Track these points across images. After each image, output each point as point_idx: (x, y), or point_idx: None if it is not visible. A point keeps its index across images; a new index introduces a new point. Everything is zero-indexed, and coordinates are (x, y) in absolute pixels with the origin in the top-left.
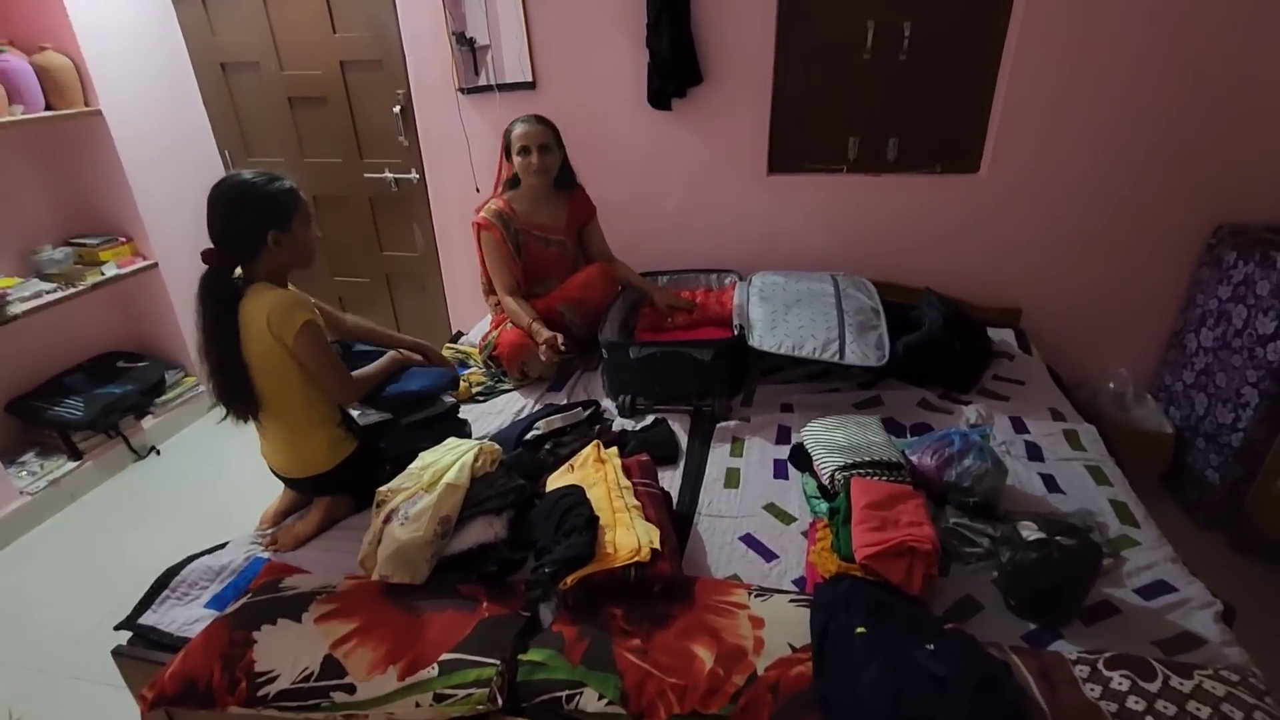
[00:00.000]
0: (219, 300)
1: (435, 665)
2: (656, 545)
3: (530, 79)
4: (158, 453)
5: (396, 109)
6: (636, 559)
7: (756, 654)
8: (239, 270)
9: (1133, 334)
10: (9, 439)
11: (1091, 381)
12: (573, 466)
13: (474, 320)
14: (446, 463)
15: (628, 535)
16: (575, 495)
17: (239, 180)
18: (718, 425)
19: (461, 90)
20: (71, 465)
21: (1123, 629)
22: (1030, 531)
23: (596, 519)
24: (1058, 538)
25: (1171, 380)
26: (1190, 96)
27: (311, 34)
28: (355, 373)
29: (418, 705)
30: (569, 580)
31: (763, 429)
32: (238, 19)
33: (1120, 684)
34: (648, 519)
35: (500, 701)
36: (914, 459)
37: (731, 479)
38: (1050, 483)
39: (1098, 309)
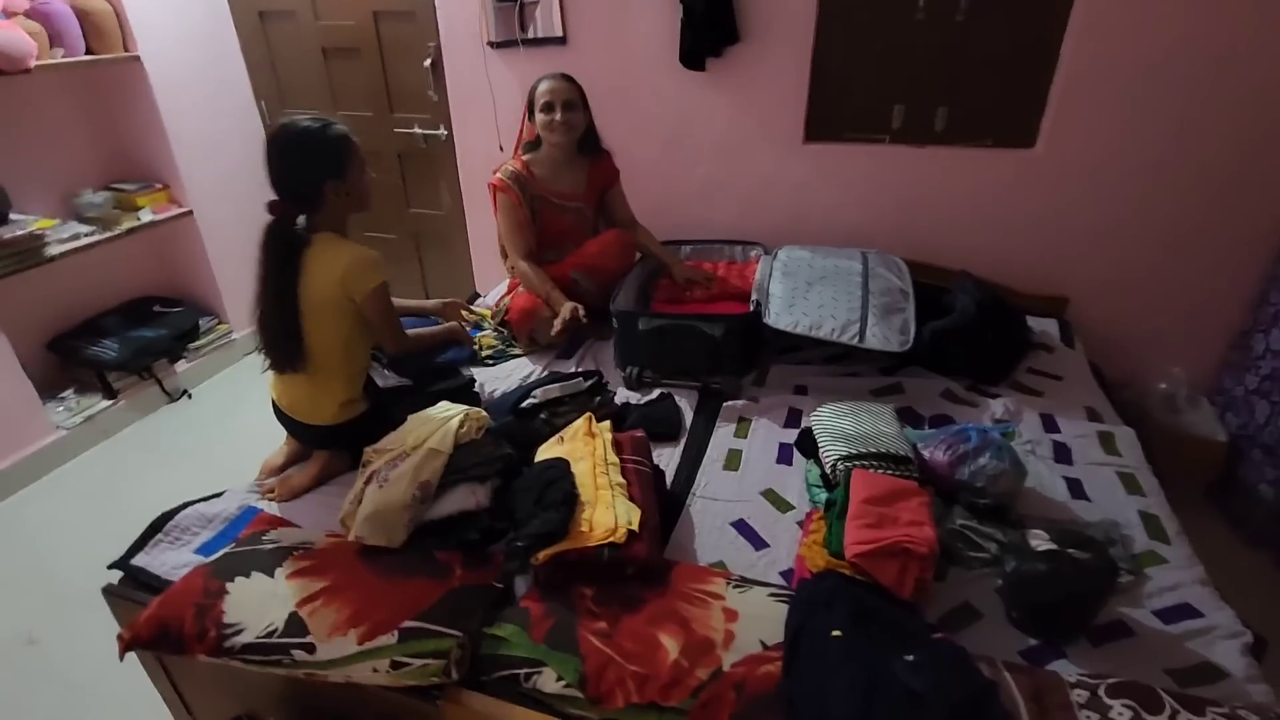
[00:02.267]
0: (284, 250)
1: (395, 632)
2: (634, 527)
3: (561, 34)
4: (189, 396)
5: (427, 62)
6: (611, 539)
7: (725, 648)
8: (302, 219)
9: (1192, 331)
10: (50, 375)
11: (1141, 380)
12: (563, 439)
13: (496, 282)
14: (432, 427)
15: (606, 514)
16: (559, 469)
17: (296, 129)
18: (725, 404)
19: (491, 44)
20: (106, 403)
21: (1135, 653)
22: (1041, 541)
23: (575, 495)
24: (1070, 550)
25: (1231, 384)
26: None
27: None
28: (413, 331)
29: (374, 670)
30: (540, 556)
31: (772, 410)
32: None
33: (1120, 714)
34: (631, 498)
35: (455, 675)
36: (926, 453)
37: (732, 461)
38: (1076, 488)
39: (1155, 302)
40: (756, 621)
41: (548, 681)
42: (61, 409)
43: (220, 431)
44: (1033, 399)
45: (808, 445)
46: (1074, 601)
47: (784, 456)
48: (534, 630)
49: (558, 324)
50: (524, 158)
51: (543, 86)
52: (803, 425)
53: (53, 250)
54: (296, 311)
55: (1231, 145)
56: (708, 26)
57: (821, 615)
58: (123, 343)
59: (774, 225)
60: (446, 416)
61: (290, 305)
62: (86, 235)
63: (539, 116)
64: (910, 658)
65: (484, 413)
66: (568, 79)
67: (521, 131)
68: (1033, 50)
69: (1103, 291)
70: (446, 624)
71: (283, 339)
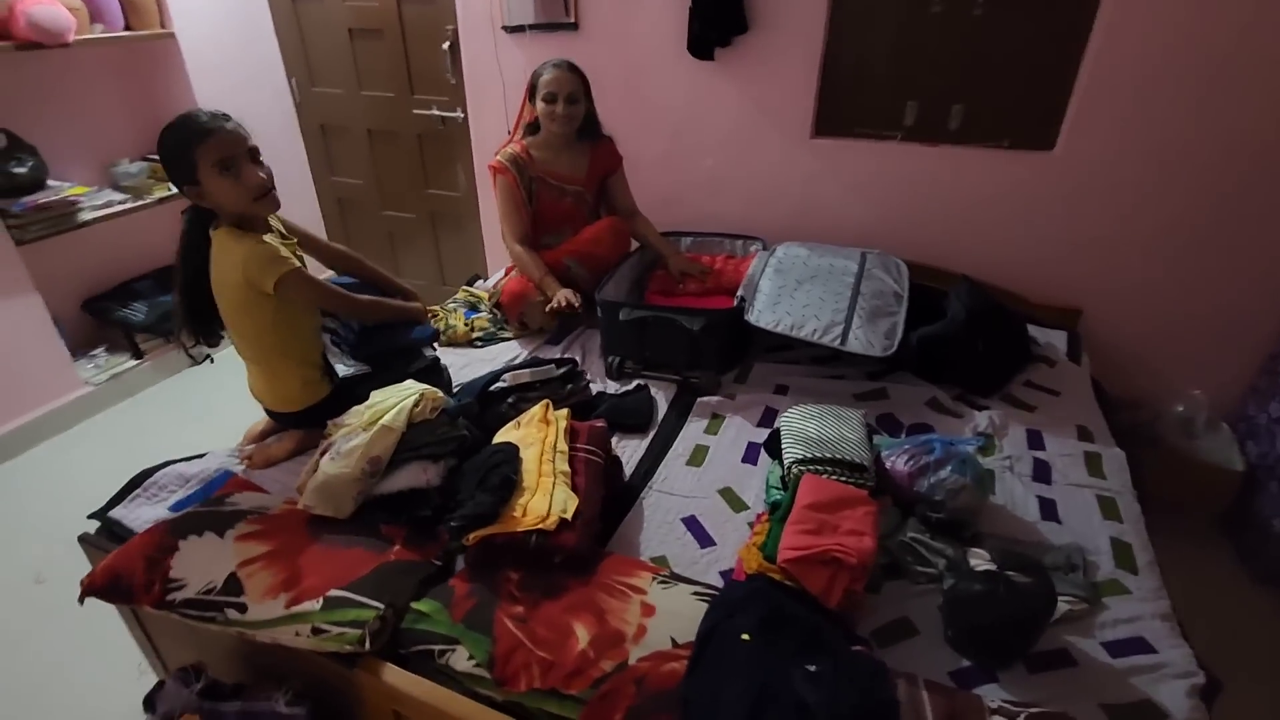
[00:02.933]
0: (185, 238)
1: (320, 599)
2: (568, 515)
3: (572, 19)
4: (210, 361)
5: (445, 45)
6: (541, 527)
7: (635, 642)
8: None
9: (1217, 352)
10: (84, 334)
11: (1157, 401)
12: (519, 424)
13: (507, 264)
14: (389, 404)
15: (542, 501)
16: (505, 453)
17: (165, 127)
18: (699, 399)
19: (505, 28)
20: (133, 363)
21: (1072, 684)
22: (981, 561)
23: (512, 480)
24: (1009, 572)
25: (1256, 411)
26: None
27: None
28: (371, 299)
29: (297, 634)
30: (470, 538)
31: (747, 409)
32: None
33: None
34: (575, 487)
35: (369, 645)
36: (888, 462)
37: (697, 456)
38: (1048, 509)
39: (1177, 320)
40: (672, 619)
41: (460, 660)
42: (91, 366)
43: (236, 396)
44: (1022, 413)
45: (775, 446)
46: (1007, 625)
47: (750, 456)
48: (455, 609)
49: (549, 308)
50: (524, 141)
51: (546, 75)
52: (775, 426)
53: (86, 216)
54: (203, 292)
55: (1270, 155)
56: (716, 15)
57: (737, 618)
58: (151, 306)
59: (780, 220)
60: (403, 395)
61: (195, 287)
62: (119, 203)
63: (540, 104)
64: (812, 668)
65: (440, 393)
66: (573, 70)
67: (521, 114)
68: (1055, 48)
69: (1119, 305)
70: (370, 595)
71: (192, 314)
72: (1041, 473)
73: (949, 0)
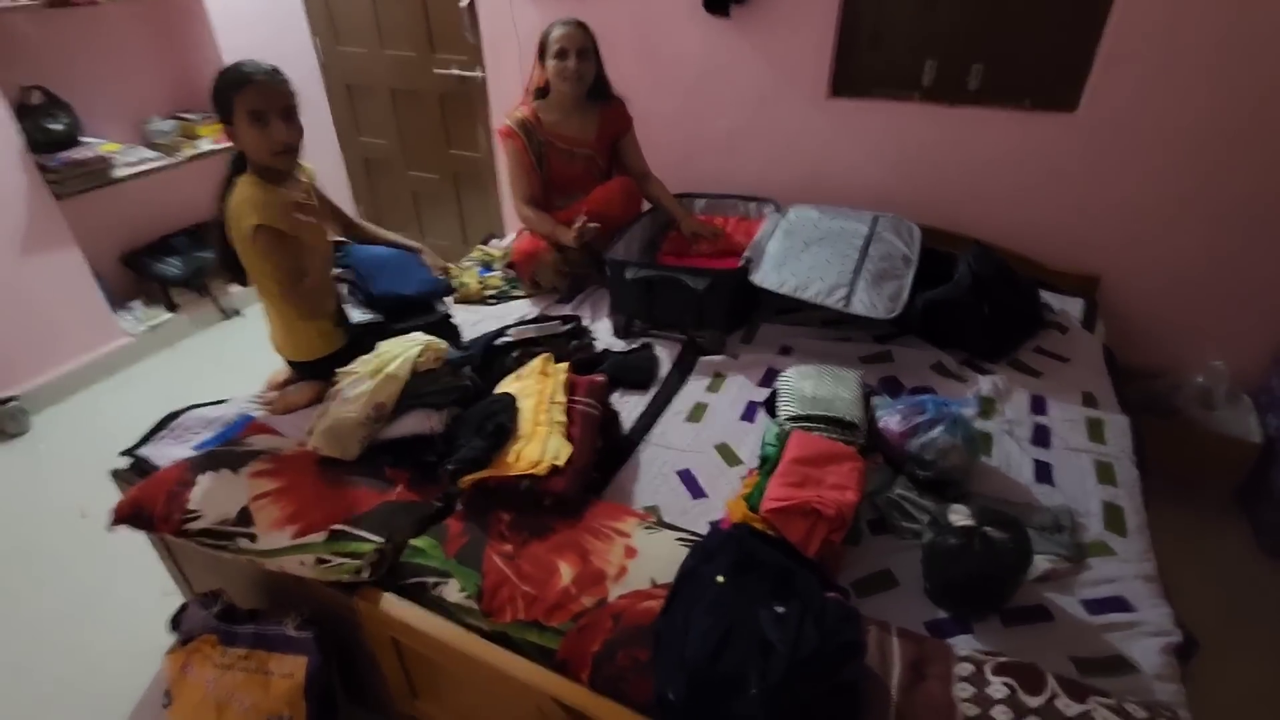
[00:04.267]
0: (226, 181)
1: (325, 532)
2: (559, 462)
3: None
4: (241, 315)
5: (464, 3)
6: (532, 472)
7: (615, 581)
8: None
9: (1241, 323)
10: (123, 286)
11: (1177, 371)
12: (520, 376)
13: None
14: (394, 354)
15: (535, 448)
16: (502, 403)
17: (222, 69)
18: (702, 359)
19: None
20: (168, 316)
21: (1044, 637)
22: (959, 516)
23: (507, 428)
24: (986, 528)
25: (1279, 383)
26: None
27: None
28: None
29: (301, 564)
30: (464, 481)
31: (749, 368)
32: None
33: (998, 690)
34: (569, 437)
35: (367, 575)
36: (881, 422)
37: (696, 413)
38: (1043, 472)
39: (1200, 289)
40: (653, 561)
41: (451, 591)
42: (130, 318)
43: (261, 348)
44: (1030, 379)
45: (774, 405)
46: (980, 578)
47: (749, 414)
48: (448, 546)
49: (572, 237)
50: (533, 104)
51: (556, 32)
52: (774, 385)
53: (120, 172)
54: (224, 236)
55: None
56: None
57: (715, 561)
58: (186, 261)
59: (796, 181)
60: (408, 345)
61: (219, 230)
62: (152, 160)
63: (551, 63)
64: (780, 609)
65: (444, 344)
66: (581, 26)
67: (532, 76)
68: (1079, 3)
69: (1140, 272)
70: (371, 530)
71: (222, 255)
72: (1041, 437)
73: None
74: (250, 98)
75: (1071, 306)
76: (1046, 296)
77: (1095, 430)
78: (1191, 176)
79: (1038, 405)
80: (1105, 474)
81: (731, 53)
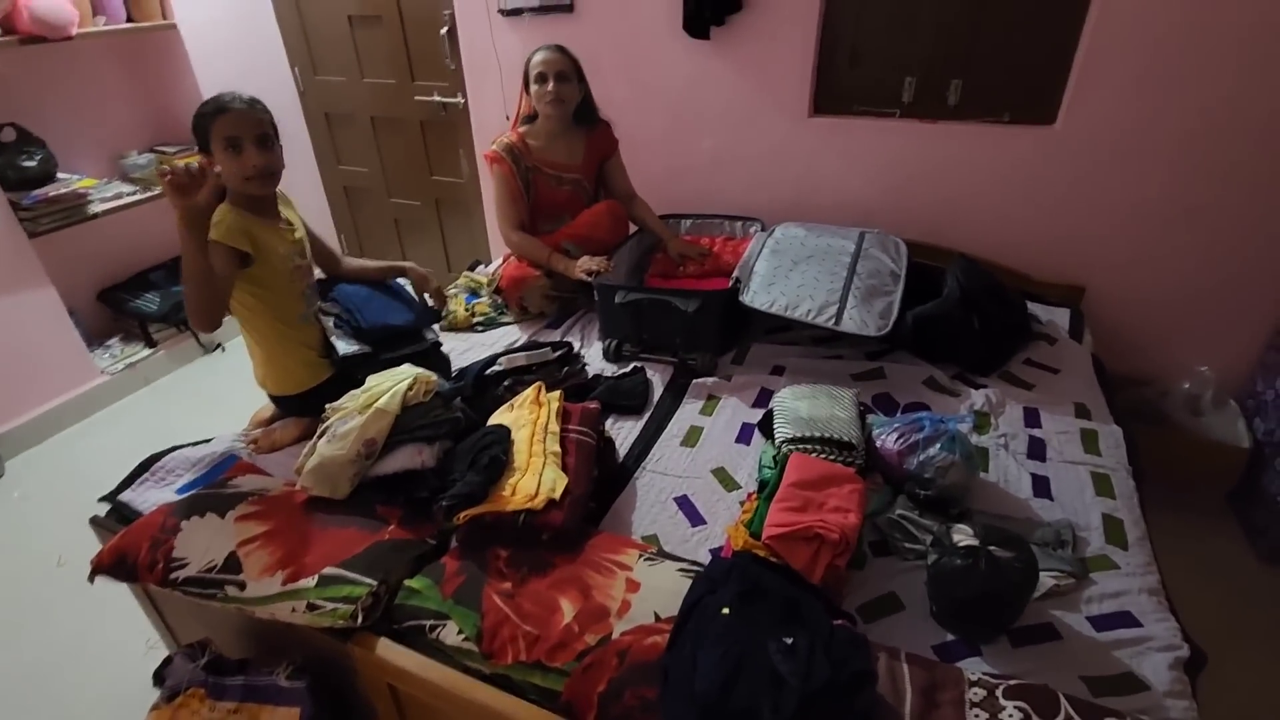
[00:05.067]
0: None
1: (315, 576)
2: (556, 495)
3: (568, 1)
4: (222, 349)
5: (443, 30)
6: (529, 506)
7: (619, 617)
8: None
9: (1225, 329)
10: (100, 324)
11: (1164, 379)
12: (513, 406)
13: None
14: (384, 388)
15: (531, 481)
16: (496, 435)
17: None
18: (695, 381)
19: (502, 12)
20: (147, 352)
21: (1054, 657)
22: (963, 536)
23: (501, 461)
24: (991, 547)
25: (1264, 388)
26: None
27: None
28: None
29: (293, 610)
30: (460, 517)
31: (743, 389)
32: None
33: (1011, 715)
34: (565, 467)
35: (360, 620)
36: (878, 441)
37: (691, 437)
38: (1041, 486)
39: (1182, 296)
40: (656, 594)
41: (449, 634)
42: (107, 356)
43: (246, 382)
44: (1022, 392)
45: (769, 426)
46: (987, 599)
47: (744, 436)
48: (445, 586)
49: (578, 274)
50: (520, 130)
51: (537, 58)
52: (769, 406)
53: (96, 208)
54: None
55: (1276, 124)
56: None
57: (719, 593)
58: (164, 296)
59: (780, 200)
60: (398, 378)
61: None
62: (129, 195)
63: (533, 88)
64: (788, 640)
65: (434, 376)
66: (561, 50)
67: (519, 105)
68: (1054, 19)
69: (1123, 282)
70: (363, 572)
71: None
72: (1036, 450)
73: None
74: (225, 125)
75: (1059, 317)
76: (1033, 308)
77: (1090, 441)
78: (1170, 186)
79: (1031, 418)
80: (1103, 486)
81: (713, 74)
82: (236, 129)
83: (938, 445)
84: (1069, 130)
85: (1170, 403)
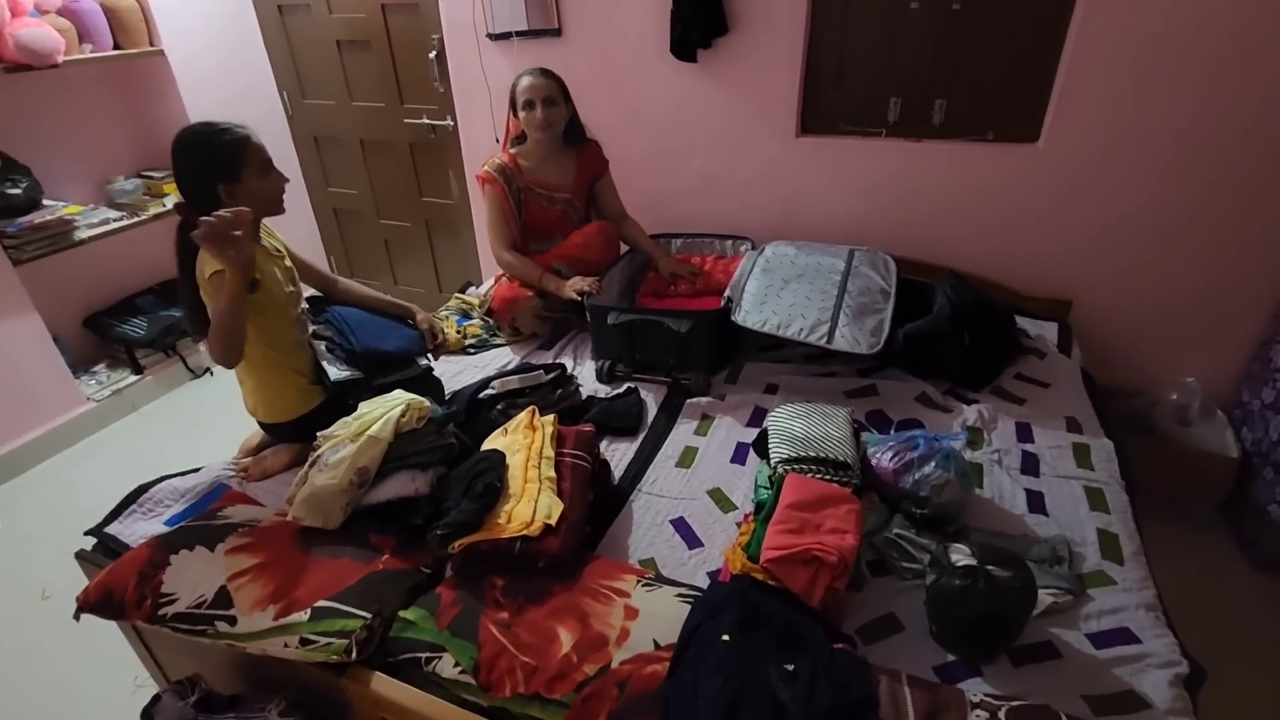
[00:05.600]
0: (181, 253)
1: (308, 610)
2: (552, 521)
3: (556, 25)
4: (210, 373)
5: (432, 54)
6: (525, 533)
7: (618, 645)
8: None
9: (1210, 340)
10: (86, 351)
11: (1152, 390)
12: (506, 430)
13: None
14: (376, 415)
15: (526, 507)
16: (490, 461)
17: (191, 131)
18: (689, 401)
19: (490, 36)
20: (134, 378)
21: (1055, 676)
22: (961, 556)
23: (496, 488)
24: (989, 567)
25: (1249, 398)
26: None
27: None
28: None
29: (285, 645)
30: (455, 546)
31: (737, 409)
32: None
33: None
34: (561, 492)
35: (355, 654)
36: (874, 460)
37: (686, 458)
38: (1036, 502)
39: (1167, 308)
40: (655, 621)
41: (446, 667)
42: (93, 382)
43: (236, 407)
44: (1013, 406)
45: (764, 446)
46: (987, 619)
47: (739, 456)
48: (441, 617)
49: (568, 293)
50: (511, 151)
51: (523, 84)
52: (763, 425)
53: (82, 234)
54: (199, 306)
55: (1253, 138)
56: (697, 17)
57: (718, 619)
58: (151, 321)
59: (770, 219)
60: (390, 405)
61: (193, 302)
62: (115, 220)
63: (522, 113)
64: (789, 667)
65: (426, 402)
66: (547, 74)
67: (508, 128)
68: (1035, 39)
69: (1109, 295)
70: (357, 605)
71: (188, 313)
72: (1030, 465)
73: None
74: (260, 149)
75: (1047, 331)
76: (1022, 322)
77: (1082, 456)
78: (1151, 201)
79: (1023, 433)
80: (1097, 500)
81: (701, 96)
82: (264, 152)
83: (932, 463)
84: (1051, 148)
85: (1159, 413)
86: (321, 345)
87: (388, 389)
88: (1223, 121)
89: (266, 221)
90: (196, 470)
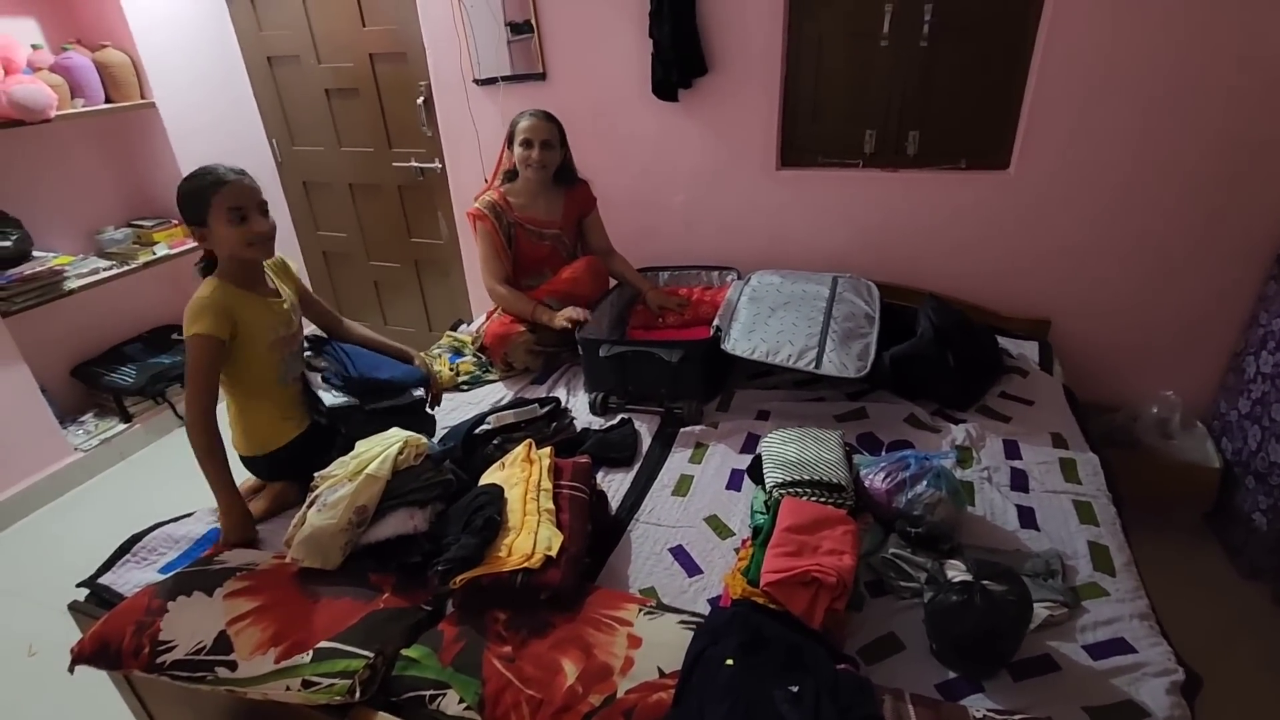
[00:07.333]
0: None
1: (310, 652)
2: (553, 553)
3: (541, 70)
4: None
5: (420, 100)
6: (525, 565)
7: (622, 675)
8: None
9: (1185, 353)
10: (73, 401)
11: (1133, 404)
12: (504, 464)
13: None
14: (374, 453)
15: (527, 540)
16: (489, 495)
17: (190, 173)
18: (683, 429)
19: (477, 81)
20: (122, 427)
21: (1055, 689)
22: (957, 572)
23: (496, 521)
24: (985, 582)
25: (1227, 408)
26: (1257, 82)
27: (343, 27)
28: (366, 336)
29: (288, 689)
30: (456, 581)
31: (730, 436)
32: (281, 15)
33: None
34: (560, 524)
35: (359, 695)
36: (866, 481)
37: (682, 486)
38: (1027, 517)
39: (1141, 323)
40: (659, 649)
41: (451, 704)
42: (80, 432)
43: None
44: (999, 424)
45: (758, 471)
46: (985, 634)
47: (734, 482)
48: (444, 653)
49: (558, 322)
50: (501, 188)
51: (524, 123)
52: (756, 451)
53: (72, 284)
54: None
55: (1215, 160)
56: (677, 59)
57: (721, 644)
58: (140, 369)
59: (753, 251)
60: (387, 443)
61: None
62: (105, 270)
63: (517, 150)
64: (794, 688)
65: (423, 439)
66: (549, 118)
67: (500, 161)
68: (1000, 71)
69: (1086, 313)
70: (359, 645)
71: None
72: (1019, 481)
73: (896, 34)
74: (228, 196)
75: (1028, 350)
76: (1004, 342)
77: (1069, 470)
78: (1123, 221)
79: (1011, 450)
80: (1086, 514)
81: (683, 133)
82: (239, 199)
83: (924, 482)
84: (1022, 174)
85: (1141, 427)
86: (317, 376)
87: (380, 414)
88: (1185, 144)
89: (286, 260)
90: (188, 516)
